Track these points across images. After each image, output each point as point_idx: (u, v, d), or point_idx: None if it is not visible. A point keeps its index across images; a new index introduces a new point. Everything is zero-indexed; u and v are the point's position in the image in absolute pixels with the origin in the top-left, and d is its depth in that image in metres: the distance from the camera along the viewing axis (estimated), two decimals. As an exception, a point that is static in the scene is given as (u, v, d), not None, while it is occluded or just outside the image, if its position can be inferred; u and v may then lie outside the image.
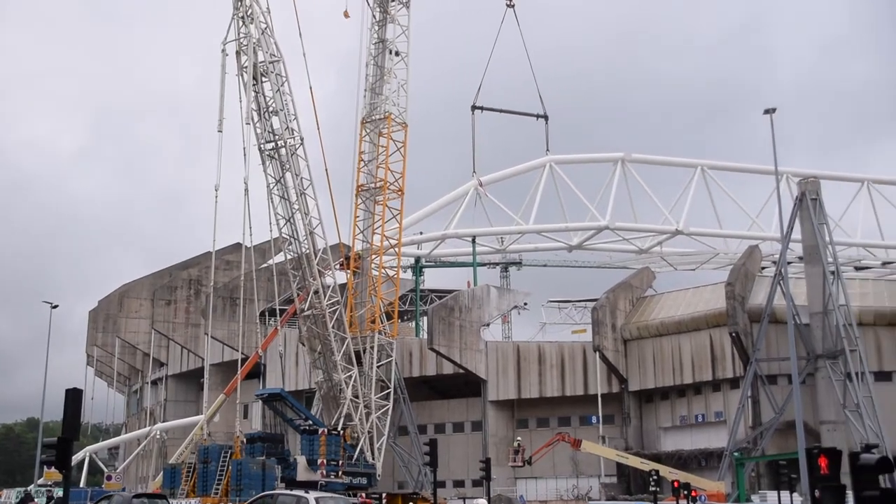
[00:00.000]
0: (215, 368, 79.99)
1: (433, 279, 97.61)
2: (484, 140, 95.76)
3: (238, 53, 51.97)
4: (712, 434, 67.59)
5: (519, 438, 68.72)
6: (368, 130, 61.61)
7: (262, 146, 52.47)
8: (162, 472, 56.94)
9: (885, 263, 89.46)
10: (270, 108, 52.50)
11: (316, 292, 54.00)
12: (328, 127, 57.56)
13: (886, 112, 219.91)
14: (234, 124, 51.61)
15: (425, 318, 78.75)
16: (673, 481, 54.29)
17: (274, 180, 52.85)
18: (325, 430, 52.95)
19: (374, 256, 60.54)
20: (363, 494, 53.78)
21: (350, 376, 55.93)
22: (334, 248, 58.62)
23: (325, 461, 51.10)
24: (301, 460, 51.30)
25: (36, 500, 56.60)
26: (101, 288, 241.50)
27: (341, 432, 53.84)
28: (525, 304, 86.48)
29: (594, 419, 71.88)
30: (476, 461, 61.00)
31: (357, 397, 56.33)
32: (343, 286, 61.25)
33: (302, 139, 53.13)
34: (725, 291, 65.36)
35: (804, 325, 60.73)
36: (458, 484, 73.00)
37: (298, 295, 54.84)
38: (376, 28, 61.95)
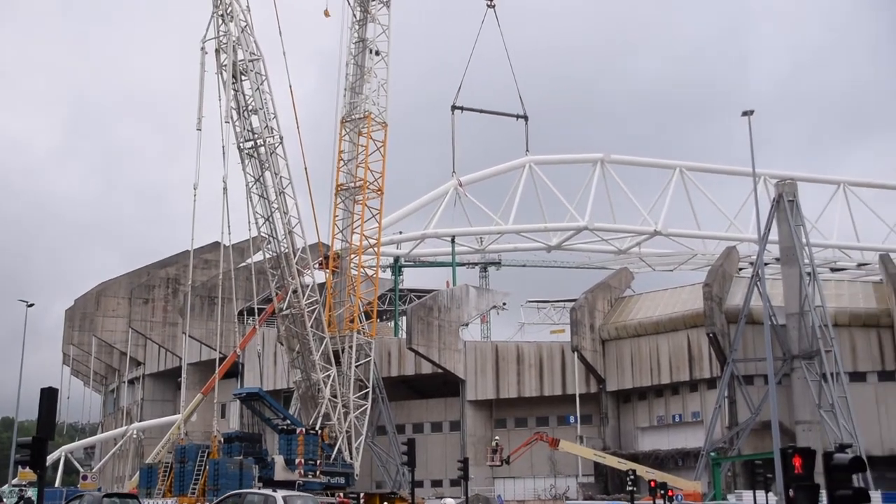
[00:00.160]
0: (193, 368, 79.65)
1: (412, 279, 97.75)
2: (464, 140, 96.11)
3: (217, 51, 51.80)
4: (689, 434, 67.97)
5: (497, 438, 68.83)
6: (348, 129, 61.56)
7: (241, 145, 52.32)
8: (138, 472, 56.66)
9: (860, 265, 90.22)
10: (250, 107, 52.36)
11: (294, 291, 53.90)
12: (308, 126, 57.62)
13: (863, 115, 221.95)
14: (214, 123, 51.51)
15: (404, 318, 78.77)
16: (650, 481, 54.55)
17: (253, 179, 52.71)
18: (303, 429, 52.88)
19: (353, 256, 60.47)
20: (341, 494, 53.78)
21: (328, 376, 55.86)
22: (313, 247, 58.53)
23: (302, 461, 51.04)
24: (279, 460, 51.20)
25: (5, 500, 56.20)
26: (78, 286, 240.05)
27: (319, 432, 53.77)
28: (504, 304, 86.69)
29: (572, 419, 72.12)
30: (454, 461, 61.04)
31: (335, 397, 56.27)
32: (322, 285, 61.14)
33: (281, 138, 53.04)
34: (703, 292, 65.73)
35: (780, 326, 61.16)
36: (436, 483, 73.03)
37: (277, 294, 54.73)
38: (356, 27, 61.90)
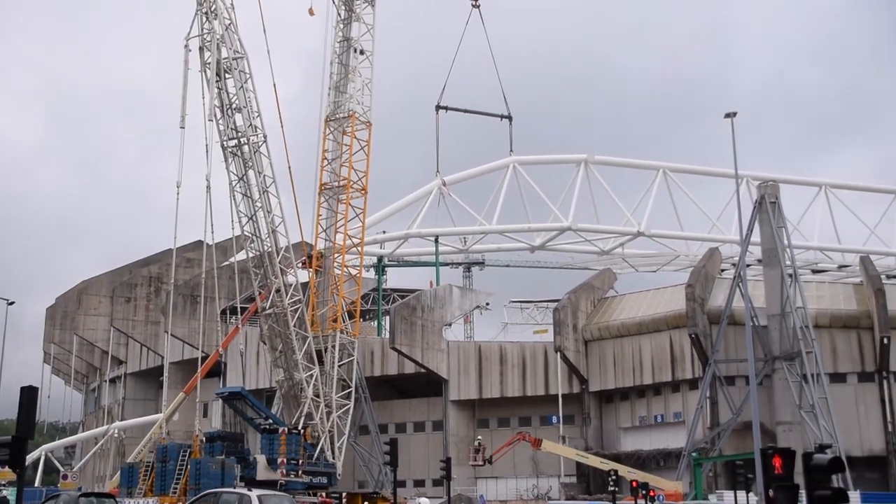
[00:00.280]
0: (175, 367, 79.42)
1: (396, 278, 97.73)
2: (448, 140, 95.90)
3: (201, 49, 51.55)
4: (671, 434, 68.24)
5: (479, 438, 68.92)
6: (332, 129, 61.43)
7: (224, 143, 52.10)
8: (119, 472, 56.38)
9: (841, 267, 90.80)
10: (233, 105, 52.17)
11: (278, 291, 53.76)
12: (292, 125, 57.37)
13: (844, 118, 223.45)
14: (197, 121, 51.25)
15: (387, 318, 78.71)
16: (632, 481, 54.75)
17: (236, 178, 52.51)
18: (286, 429, 52.72)
19: (336, 255, 60.37)
20: (323, 494, 53.64)
21: (311, 375, 55.74)
22: (297, 246, 58.40)
23: (285, 460, 50.87)
24: (261, 459, 51.02)
25: None
26: (60, 285, 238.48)
27: (302, 431, 53.63)
28: (487, 304, 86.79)
29: (554, 419, 72.31)
30: (437, 461, 61.15)
31: (318, 396, 56.14)
32: (305, 285, 61.02)
33: (265, 136, 52.86)
34: (685, 293, 66.01)
35: (762, 327, 61.49)
36: (419, 483, 73.06)
37: (260, 293, 54.56)
38: (341, 26, 61.78)
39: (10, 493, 49.28)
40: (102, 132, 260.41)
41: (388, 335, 73.99)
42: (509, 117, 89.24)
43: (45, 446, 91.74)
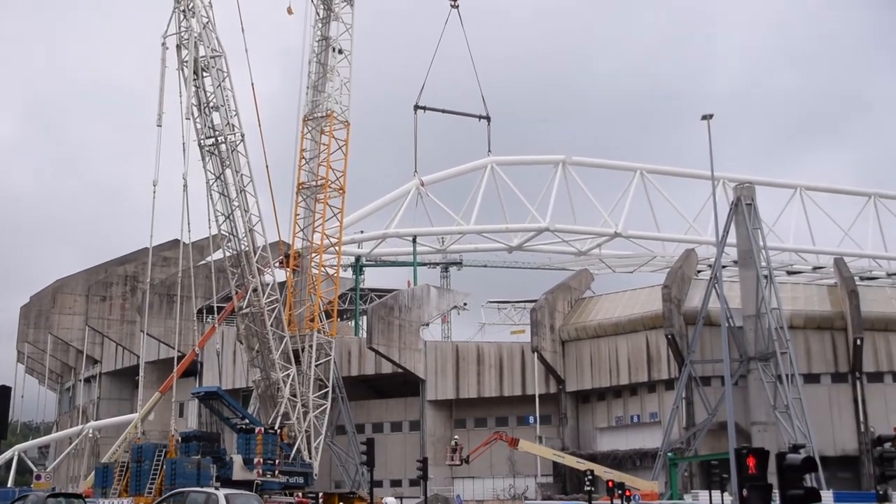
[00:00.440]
0: (151, 366, 78.91)
1: (373, 278, 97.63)
2: (426, 140, 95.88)
3: (179, 47, 51.31)
4: (647, 434, 68.57)
5: (456, 437, 68.99)
6: (310, 128, 61.31)
7: (202, 142, 51.87)
8: (94, 472, 55.99)
9: (815, 268, 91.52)
10: (211, 104, 51.95)
11: (255, 290, 53.58)
12: (270, 124, 57.16)
13: (820, 121, 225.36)
14: (174, 119, 51.00)
15: (364, 318, 78.61)
16: (608, 481, 54.98)
17: (213, 177, 52.30)
18: (262, 428, 52.54)
19: (314, 254, 60.26)
20: (300, 494, 53.52)
21: (288, 375, 55.61)
22: (274, 245, 58.24)
23: (261, 460, 50.68)
24: (237, 459, 50.81)
25: None
26: (34, 283, 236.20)
27: (278, 431, 53.47)
28: (465, 304, 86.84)
29: (531, 419, 72.48)
30: (414, 461, 61.16)
31: (295, 396, 56.01)
32: (282, 284, 60.85)
33: (243, 135, 52.67)
34: (662, 294, 66.35)
35: (737, 328, 61.88)
36: (396, 483, 73.04)
37: (237, 292, 54.35)
38: (320, 25, 61.66)
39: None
40: (78, 130, 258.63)
41: (365, 335, 73.90)
42: (487, 118, 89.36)
43: (18, 446, 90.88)
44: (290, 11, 60.64)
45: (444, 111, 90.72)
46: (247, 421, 55.31)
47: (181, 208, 50.57)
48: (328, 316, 61.77)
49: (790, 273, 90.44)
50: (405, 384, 75.40)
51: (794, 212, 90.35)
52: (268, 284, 54.54)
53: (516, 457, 69.66)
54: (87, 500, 46.62)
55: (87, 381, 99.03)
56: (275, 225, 57.93)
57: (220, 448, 53.34)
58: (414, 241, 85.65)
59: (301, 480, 54.70)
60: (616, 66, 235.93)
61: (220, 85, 51.98)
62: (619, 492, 52.98)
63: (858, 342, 63.51)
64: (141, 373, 62.35)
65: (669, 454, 60.64)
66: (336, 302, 62.53)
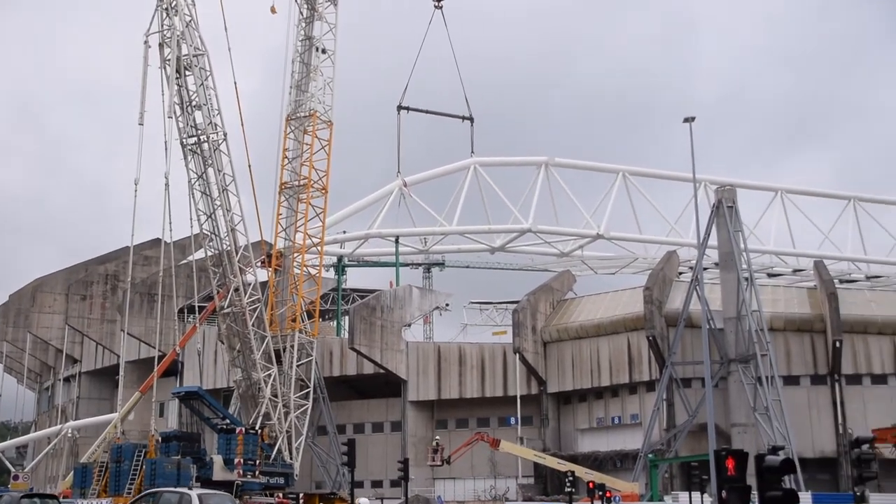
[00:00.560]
0: (131, 366, 78.56)
1: (355, 279, 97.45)
2: (409, 140, 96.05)
3: (161, 46, 51.16)
4: (628, 436, 68.77)
5: (437, 438, 68.98)
6: (293, 127, 61.26)
7: (184, 140, 51.75)
8: (73, 472, 55.69)
9: (795, 271, 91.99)
10: (193, 103, 51.82)
11: (236, 290, 53.47)
12: (252, 123, 57.04)
13: (800, 124, 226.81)
14: (157, 117, 50.84)
15: (346, 318, 78.50)
16: (588, 482, 55.10)
17: (196, 175, 52.18)
18: (243, 429, 52.44)
19: (296, 254, 60.17)
20: (280, 494, 53.46)
21: (269, 375, 55.49)
22: (256, 245, 58.12)
23: (241, 461, 50.59)
24: (217, 460, 50.69)
25: None
26: (13, 282, 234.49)
27: (259, 431, 53.38)
28: (447, 305, 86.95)
29: (513, 420, 72.51)
30: (395, 461, 61.08)
31: (276, 396, 55.91)
32: (264, 284, 60.71)
33: (225, 135, 52.57)
34: (643, 296, 66.56)
35: (718, 330, 62.16)
36: (377, 484, 72.95)
37: (218, 292, 54.22)
38: (303, 25, 61.65)
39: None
40: (60, 128, 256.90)
41: (347, 335, 73.79)
42: (471, 119, 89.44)
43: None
44: (273, 11, 60.63)
45: (427, 112, 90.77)
46: (227, 421, 55.18)
47: (163, 207, 50.47)
48: (310, 316, 61.68)
49: (771, 275, 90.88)
50: (387, 385, 75.33)
51: (774, 214, 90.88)
52: (249, 284, 54.44)
53: (497, 458, 69.70)
54: (65, 500, 46.39)
55: (67, 380, 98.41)
56: (257, 224, 57.85)
57: (200, 448, 53.22)
58: (396, 241, 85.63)
59: (282, 481, 54.64)
60: (599, 68, 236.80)
61: (202, 84, 51.87)
62: (600, 493, 53.14)
63: (837, 344, 63.92)
64: (121, 372, 62.20)
65: (650, 455, 60.82)
66: (318, 302, 62.45)
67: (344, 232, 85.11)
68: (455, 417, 75.74)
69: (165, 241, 53.68)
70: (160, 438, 51.02)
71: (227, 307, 53.97)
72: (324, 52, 61.41)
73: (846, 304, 66.16)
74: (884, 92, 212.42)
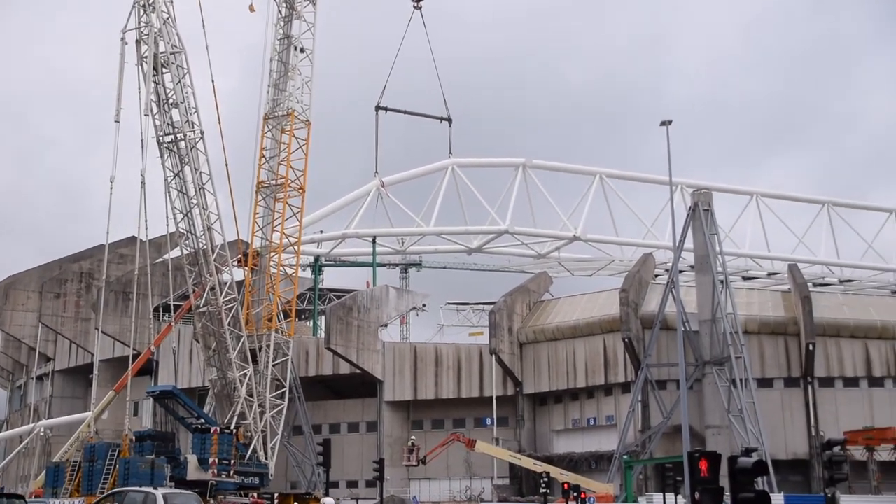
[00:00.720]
0: (105, 364, 77.94)
1: (332, 278, 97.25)
2: (387, 141, 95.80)
3: (138, 43, 50.88)
4: (603, 437, 69.05)
5: (413, 438, 69.01)
6: (271, 127, 61.09)
7: (160, 138, 51.51)
8: (45, 471, 55.24)
9: (770, 274, 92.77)
10: (170, 100, 51.59)
11: (212, 289, 53.26)
12: (230, 122, 56.80)
13: (776, 129, 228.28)
14: (133, 115, 50.54)
15: (323, 318, 78.36)
16: (563, 483, 55.30)
17: (172, 174, 51.94)
18: (218, 428, 52.23)
19: (272, 254, 60.01)
20: (255, 494, 53.27)
21: (245, 375, 55.31)
22: (232, 244, 57.89)
23: (216, 460, 50.37)
24: (192, 459, 50.46)
25: None
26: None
27: (234, 431, 53.18)
28: (423, 305, 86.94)
29: (488, 421, 72.65)
30: (370, 462, 61.08)
31: (251, 396, 55.73)
32: (240, 283, 60.50)
33: (202, 133, 52.36)
34: (619, 298, 66.85)
35: (693, 333, 62.50)
36: (352, 484, 72.89)
37: (194, 291, 53.99)
38: (282, 24, 61.50)
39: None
40: (34, 125, 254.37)
41: (323, 335, 73.67)
42: (449, 119, 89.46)
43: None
44: (251, 9, 60.42)
45: (405, 112, 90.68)
46: (202, 421, 54.94)
47: (139, 205, 50.23)
48: (286, 316, 61.53)
49: (746, 278, 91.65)
50: (363, 385, 75.26)
51: (750, 218, 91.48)
52: (225, 283, 54.26)
53: (473, 458, 69.82)
54: (37, 499, 46.04)
55: (40, 378, 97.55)
56: (234, 223, 57.62)
57: (174, 448, 52.97)
58: (374, 241, 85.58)
59: (256, 481, 54.46)
60: (578, 71, 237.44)
61: (179, 81, 51.65)
62: (575, 494, 53.32)
63: (811, 347, 64.44)
64: (95, 371, 61.69)
65: (625, 457, 61.12)
66: (294, 302, 62.31)
67: (321, 232, 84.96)
68: (431, 418, 75.77)
69: (141, 240, 53.38)
70: (134, 438, 50.75)
71: (203, 306, 53.74)
72: (302, 51, 61.28)
73: (819, 307, 66.76)
74: (860, 97, 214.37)
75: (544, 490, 55.31)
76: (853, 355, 66.92)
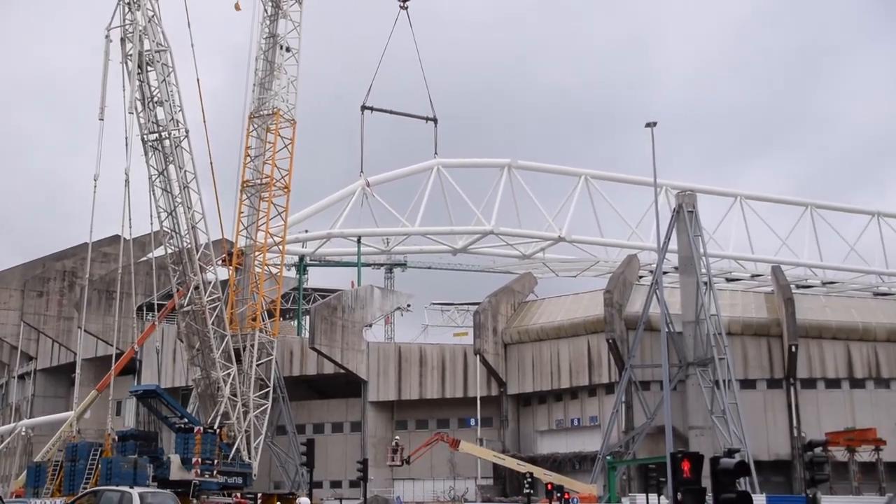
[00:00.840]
0: (88, 363, 77.59)
1: (317, 278, 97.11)
2: (373, 141, 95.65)
3: (123, 40, 50.64)
4: (587, 438, 69.22)
5: (397, 438, 68.99)
6: (256, 126, 60.96)
7: (145, 137, 51.29)
8: (26, 471, 54.94)
9: (753, 276, 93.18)
10: (155, 99, 51.38)
11: (196, 288, 53.07)
12: (215, 120, 56.66)
13: (760, 131, 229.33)
14: (117, 113, 50.26)
15: (307, 317, 78.23)
16: (547, 483, 55.38)
17: (156, 172, 51.73)
18: (201, 428, 52.06)
19: (257, 253, 59.88)
20: (238, 494, 53.15)
21: (229, 374, 55.15)
22: (217, 243, 57.72)
23: (199, 460, 50.20)
24: (175, 459, 50.27)
25: None
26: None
27: (218, 431, 53.01)
28: (408, 305, 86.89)
29: (472, 421, 72.73)
30: (354, 462, 61.05)
31: (235, 395, 55.58)
32: (224, 282, 60.32)
33: (187, 131, 52.17)
34: (604, 299, 67.03)
35: (677, 334, 62.71)
36: (336, 484, 72.78)
37: (178, 290, 53.79)
38: (268, 22, 61.37)
39: None
40: (17, 122, 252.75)
41: (307, 335, 73.52)
42: (434, 120, 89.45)
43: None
44: (237, 7, 60.38)
45: (391, 112, 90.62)
46: (186, 420, 54.76)
47: (123, 204, 50.00)
48: (270, 315, 61.39)
49: (729, 280, 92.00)
50: (347, 385, 75.18)
51: (734, 220, 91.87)
52: (210, 282, 54.08)
53: (457, 458, 69.83)
54: (18, 499, 45.79)
55: (22, 377, 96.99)
56: (218, 222, 57.40)
57: (157, 447, 52.82)
58: (358, 241, 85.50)
59: (240, 481, 54.31)
60: (564, 72, 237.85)
61: (164, 80, 51.44)
62: (558, 494, 53.42)
63: (793, 349, 64.80)
64: (77, 370, 61.43)
65: (608, 457, 61.25)
66: (279, 301, 62.24)
67: (306, 231, 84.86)
68: (415, 418, 75.75)
69: (125, 238, 53.08)
70: (116, 437, 50.55)
71: (187, 305, 53.54)
72: (288, 50, 61.18)
73: (802, 309, 67.15)
74: (842, 101, 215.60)
75: (528, 490, 55.40)
76: (835, 357, 67.35)
